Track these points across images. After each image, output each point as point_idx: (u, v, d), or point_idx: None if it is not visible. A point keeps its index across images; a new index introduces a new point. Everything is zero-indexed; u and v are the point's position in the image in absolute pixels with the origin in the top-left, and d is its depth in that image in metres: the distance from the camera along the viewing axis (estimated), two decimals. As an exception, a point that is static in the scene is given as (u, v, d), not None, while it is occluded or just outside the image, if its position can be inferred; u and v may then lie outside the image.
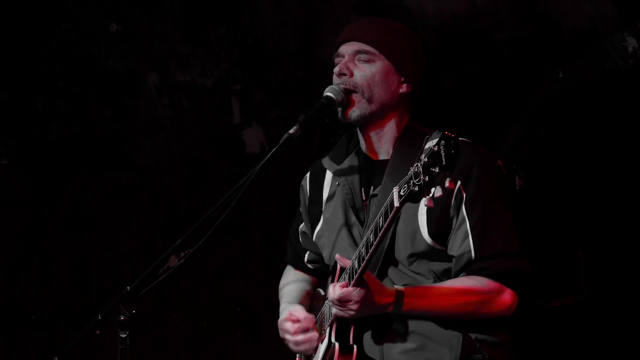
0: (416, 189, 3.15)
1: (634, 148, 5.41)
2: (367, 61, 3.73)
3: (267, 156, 3.55)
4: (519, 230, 3.64)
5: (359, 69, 3.73)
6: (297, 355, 3.97)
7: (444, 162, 3.08)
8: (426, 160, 3.11)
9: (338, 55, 3.79)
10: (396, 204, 3.24)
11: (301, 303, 4.02)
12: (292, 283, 4.17)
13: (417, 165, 3.15)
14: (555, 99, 5.54)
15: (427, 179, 3.11)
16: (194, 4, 5.73)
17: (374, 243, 3.39)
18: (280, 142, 3.58)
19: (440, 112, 3.94)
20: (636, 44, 5.39)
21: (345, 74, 3.73)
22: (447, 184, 3.10)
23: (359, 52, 3.73)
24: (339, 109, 3.72)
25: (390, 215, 3.30)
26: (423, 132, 3.70)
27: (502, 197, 3.64)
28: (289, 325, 3.88)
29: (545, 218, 5.52)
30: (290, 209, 4.21)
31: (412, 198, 3.18)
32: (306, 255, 4.14)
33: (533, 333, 5.45)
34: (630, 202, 5.43)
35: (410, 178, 3.17)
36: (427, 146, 3.22)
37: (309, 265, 4.15)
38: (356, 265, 3.48)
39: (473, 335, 3.61)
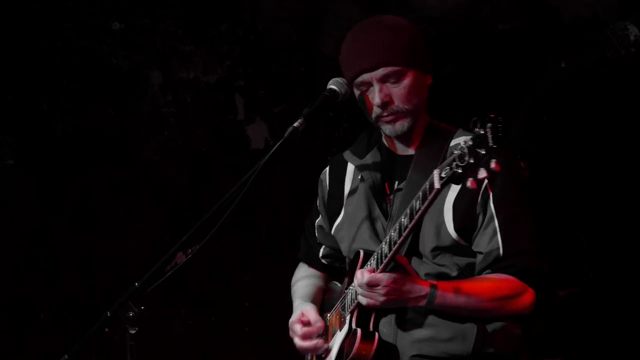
0: (459, 170, 3.12)
1: (635, 136, 5.42)
2: (398, 80, 3.69)
3: (272, 150, 3.55)
4: (539, 230, 3.66)
5: (394, 92, 3.69)
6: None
7: (490, 143, 3.04)
8: (471, 142, 3.09)
9: (362, 84, 3.72)
10: (437, 185, 3.22)
11: (314, 298, 4.03)
12: (304, 279, 4.17)
13: (461, 147, 3.12)
14: (558, 88, 5.54)
15: (472, 160, 3.08)
16: (195, 1, 5.73)
17: (409, 226, 3.38)
18: (285, 135, 3.57)
19: (441, 103, 3.92)
20: (637, 32, 5.39)
21: (387, 102, 3.69)
22: (492, 165, 3.06)
23: (386, 75, 3.68)
24: (387, 127, 3.71)
25: (430, 197, 3.28)
26: (446, 129, 3.76)
27: (526, 196, 3.67)
28: (298, 328, 3.88)
29: (548, 206, 5.53)
30: (296, 203, 4.21)
31: (454, 180, 3.16)
32: (321, 250, 4.14)
33: (541, 322, 5.46)
34: (632, 189, 5.45)
35: (453, 160, 3.14)
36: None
37: (323, 261, 4.14)
38: (386, 250, 3.49)
39: (487, 328, 3.62)
